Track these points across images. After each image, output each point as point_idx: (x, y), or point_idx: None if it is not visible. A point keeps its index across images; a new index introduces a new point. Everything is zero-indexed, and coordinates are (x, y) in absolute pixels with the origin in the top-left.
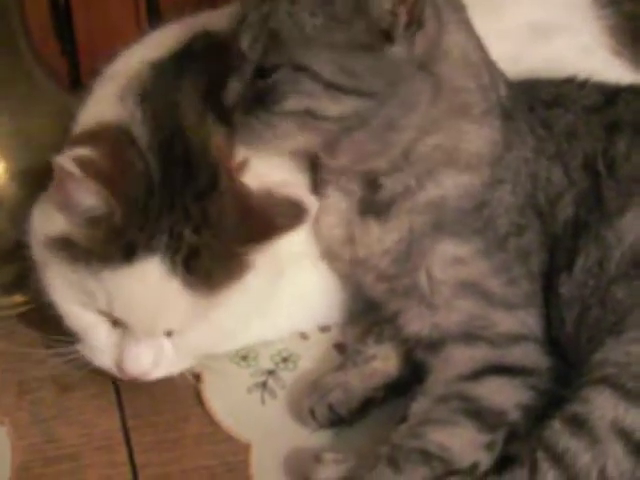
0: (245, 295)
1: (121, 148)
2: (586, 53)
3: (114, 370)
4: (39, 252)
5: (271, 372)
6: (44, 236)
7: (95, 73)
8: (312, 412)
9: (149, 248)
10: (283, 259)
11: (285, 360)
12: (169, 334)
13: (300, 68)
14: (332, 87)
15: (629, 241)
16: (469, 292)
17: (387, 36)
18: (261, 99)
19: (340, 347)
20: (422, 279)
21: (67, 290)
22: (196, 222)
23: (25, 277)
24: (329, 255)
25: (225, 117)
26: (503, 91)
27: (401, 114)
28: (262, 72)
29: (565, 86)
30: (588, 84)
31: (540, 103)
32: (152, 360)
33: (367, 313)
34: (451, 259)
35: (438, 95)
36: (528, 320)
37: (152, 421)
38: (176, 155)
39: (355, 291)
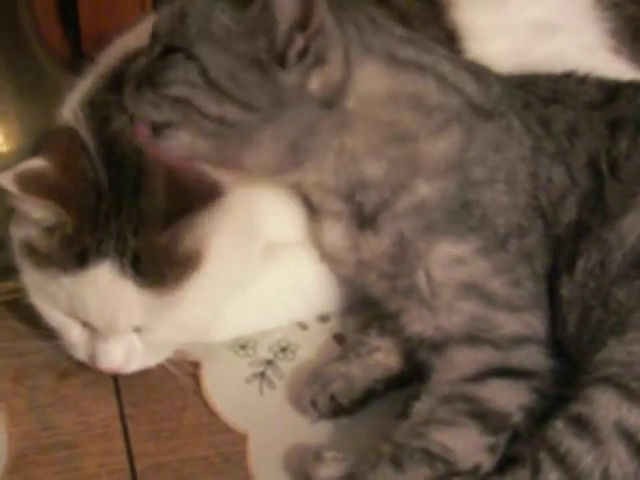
0: (206, 287)
1: (74, 156)
2: (587, 51)
3: (90, 364)
4: (16, 255)
5: (270, 362)
6: (16, 239)
7: (91, 59)
8: (314, 402)
9: (99, 253)
10: (275, 248)
11: (284, 350)
12: (137, 330)
13: (193, 58)
14: (215, 87)
15: (630, 242)
16: (471, 294)
17: (281, 59)
18: (152, 75)
19: (339, 338)
20: (421, 281)
21: (39, 292)
22: (135, 223)
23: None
24: (332, 261)
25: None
26: (472, 90)
27: (299, 136)
28: (165, 53)
29: (564, 81)
30: (588, 79)
31: (537, 99)
32: (123, 356)
33: (367, 305)
34: (450, 260)
35: (351, 127)
36: (532, 322)
37: (150, 410)
38: (117, 158)
39: (358, 291)
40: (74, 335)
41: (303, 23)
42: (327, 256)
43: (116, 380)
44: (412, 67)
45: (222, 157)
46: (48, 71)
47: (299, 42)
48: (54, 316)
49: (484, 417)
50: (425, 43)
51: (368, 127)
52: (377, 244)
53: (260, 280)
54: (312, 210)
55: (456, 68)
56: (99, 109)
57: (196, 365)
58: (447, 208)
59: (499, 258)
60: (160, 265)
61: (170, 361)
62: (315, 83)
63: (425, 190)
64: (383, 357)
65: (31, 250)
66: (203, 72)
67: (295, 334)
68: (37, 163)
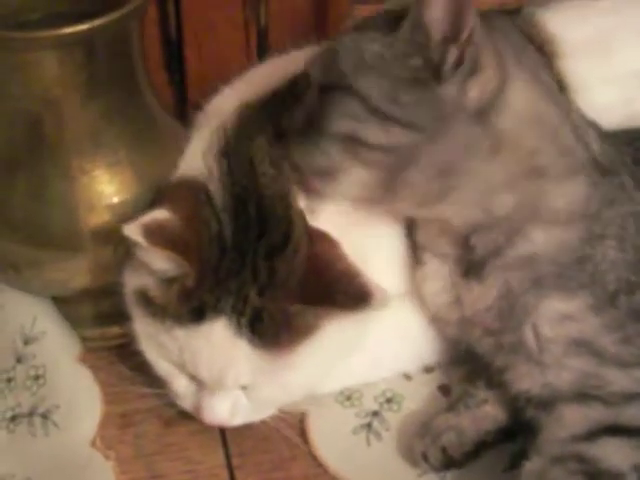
0: (319, 352)
1: (198, 208)
2: None
3: (195, 415)
4: (128, 302)
5: (375, 413)
6: (130, 287)
7: (198, 107)
8: (424, 455)
9: (216, 310)
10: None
11: (389, 401)
12: (244, 387)
13: (350, 91)
14: (378, 114)
15: None
16: (582, 350)
17: (438, 73)
18: (313, 120)
19: (444, 389)
20: (529, 337)
21: (149, 341)
22: (262, 283)
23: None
24: (436, 319)
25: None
26: (596, 146)
27: (455, 158)
28: (321, 94)
29: None
30: None
31: None
32: (228, 411)
33: (472, 356)
34: (559, 316)
35: (501, 152)
36: None
37: (257, 460)
38: (249, 214)
39: (463, 344)
40: (180, 386)
41: (455, 34)
42: (430, 314)
43: (222, 429)
44: (553, 97)
45: (383, 192)
46: (158, 119)
47: (453, 53)
48: (162, 366)
49: (598, 477)
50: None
51: (514, 153)
52: (481, 295)
53: (367, 332)
54: (416, 259)
55: (583, 120)
56: (236, 163)
57: (303, 415)
58: (561, 262)
59: (609, 315)
60: (279, 327)
61: (275, 415)
62: (474, 91)
63: (541, 239)
64: (492, 409)
65: (145, 299)
66: (364, 102)
67: (400, 385)
68: (161, 214)
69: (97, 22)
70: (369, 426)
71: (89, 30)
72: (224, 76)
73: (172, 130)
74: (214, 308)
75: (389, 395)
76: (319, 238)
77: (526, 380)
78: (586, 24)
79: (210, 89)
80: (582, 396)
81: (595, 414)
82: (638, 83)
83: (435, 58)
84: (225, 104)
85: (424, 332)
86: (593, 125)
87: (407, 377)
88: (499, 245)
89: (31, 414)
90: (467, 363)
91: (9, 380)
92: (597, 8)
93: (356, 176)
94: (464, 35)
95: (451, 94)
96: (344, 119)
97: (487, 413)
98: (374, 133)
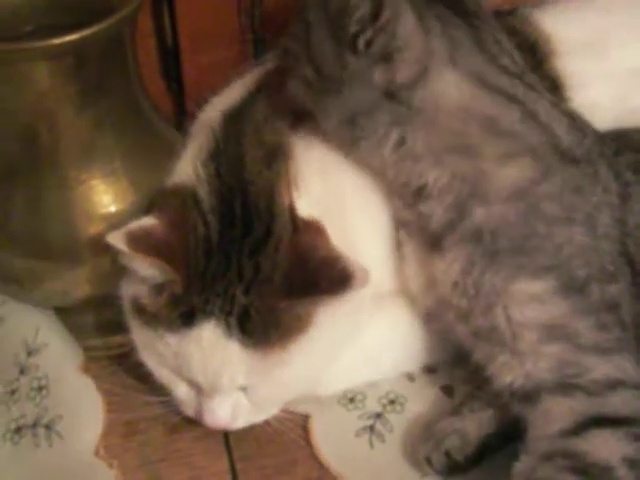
0: (313, 349)
1: (185, 214)
2: None
3: (198, 421)
4: (126, 313)
5: (379, 415)
6: (126, 298)
7: (192, 116)
8: (428, 459)
9: (205, 312)
10: (378, 300)
11: (392, 402)
12: (242, 388)
13: (304, 21)
14: (310, 45)
15: None
16: (555, 335)
17: (353, 43)
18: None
19: (447, 389)
20: (501, 321)
21: (147, 350)
22: (247, 281)
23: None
24: (425, 316)
25: None
26: (564, 134)
27: (357, 114)
28: None
29: None
30: None
31: (629, 148)
32: (230, 413)
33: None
34: (527, 297)
35: (420, 127)
36: (624, 365)
37: (261, 464)
38: (235, 213)
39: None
40: (181, 392)
41: (373, 17)
42: (418, 306)
43: (226, 434)
44: (500, 94)
45: (315, 99)
46: (154, 128)
47: (367, 34)
48: (162, 373)
49: (587, 473)
50: (533, 83)
51: (431, 129)
52: (446, 270)
53: (365, 331)
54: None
55: (554, 112)
56: (225, 164)
57: (306, 418)
58: (510, 237)
59: (579, 300)
60: (268, 325)
61: (278, 417)
62: (379, 76)
63: (481, 215)
64: (497, 411)
65: (139, 308)
66: (306, 29)
67: (403, 386)
68: (148, 221)
69: (85, 32)
70: (372, 428)
71: (78, 40)
72: (221, 84)
73: (169, 139)
74: (203, 311)
75: (392, 397)
76: (305, 228)
77: (507, 372)
78: (582, 23)
79: (207, 97)
80: (564, 386)
81: (579, 405)
82: (633, 80)
83: (353, 29)
84: (216, 112)
85: (422, 331)
86: (570, 115)
87: (410, 378)
88: (452, 219)
89: (35, 425)
90: (469, 363)
91: (13, 392)
92: (593, 7)
93: (303, 75)
94: (379, 21)
95: (357, 67)
96: (293, 37)
97: (491, 416)
98: (303, 59)
